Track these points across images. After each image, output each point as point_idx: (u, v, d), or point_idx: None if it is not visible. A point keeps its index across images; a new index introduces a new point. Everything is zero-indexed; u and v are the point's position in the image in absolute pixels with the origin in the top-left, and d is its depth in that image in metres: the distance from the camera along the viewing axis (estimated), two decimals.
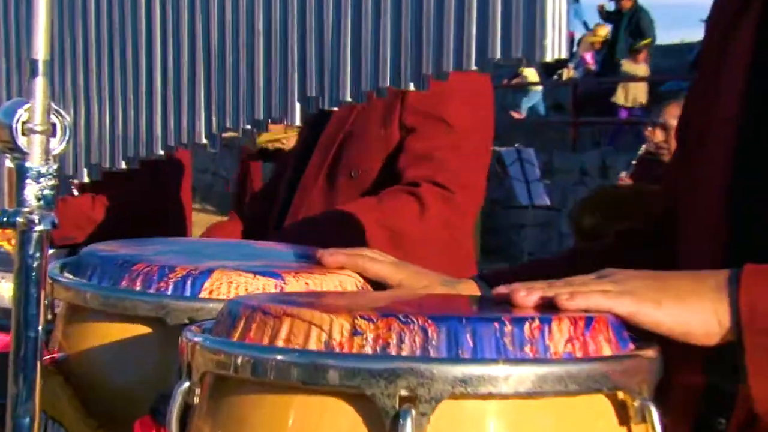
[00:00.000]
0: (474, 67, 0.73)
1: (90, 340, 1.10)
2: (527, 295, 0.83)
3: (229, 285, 1.03)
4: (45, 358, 1.08)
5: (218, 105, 0.91)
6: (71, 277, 1.11)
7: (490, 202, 10.40)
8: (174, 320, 0.99)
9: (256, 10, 0.86)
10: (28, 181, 0.73)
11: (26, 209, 0.72)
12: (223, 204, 10.96)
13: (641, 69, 12.63)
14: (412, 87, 0.78)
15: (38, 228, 0.73)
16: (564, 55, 0.72)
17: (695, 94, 1.18)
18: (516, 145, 9.82)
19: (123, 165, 1.00)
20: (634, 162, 6.47)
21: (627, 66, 12.65)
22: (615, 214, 4.49)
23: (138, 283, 1.05)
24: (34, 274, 0.74)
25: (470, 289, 1.13)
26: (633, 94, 12.23)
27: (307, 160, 2.20)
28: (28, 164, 0.73)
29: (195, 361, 0.81)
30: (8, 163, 0.74)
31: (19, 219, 0.72)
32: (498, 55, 0.72)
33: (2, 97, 1.04)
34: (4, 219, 0.73)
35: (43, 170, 0.73)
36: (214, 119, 0.92)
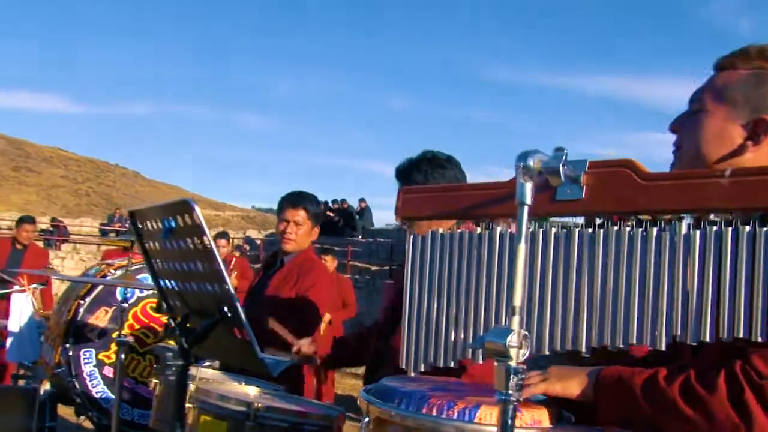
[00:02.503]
0: None
1: None
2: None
3: (491, 413, 1.45)
4: None
5: (600, 324, 1.24)
6: (378, 400, 1.59)
7: None
8: None
9: (634, 261, 1.20)
10: (512, 377, 1.11)
11: (510, 393, 1.11)
12: None
13: None
14: (760, 338, 1.10)
15: (514, 402, 1.12)
16: None
17: None
18: None
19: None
20: None
21: None
22: None
23: (434, 410, 1.51)
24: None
25: None
26: None
27: None
28: (510, 364, 1.12)
29: None
30: (496, 363, 1.13)
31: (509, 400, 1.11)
32: None
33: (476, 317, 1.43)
34: (501, 397, 1.12)
35: (519, 369, 1.12)
36: (594, 334, 1.25)
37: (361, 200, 25.54)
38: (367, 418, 1.66)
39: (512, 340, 1.13)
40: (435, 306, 1.44)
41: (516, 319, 1.14)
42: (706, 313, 1.11)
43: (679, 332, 1.14)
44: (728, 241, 1.10)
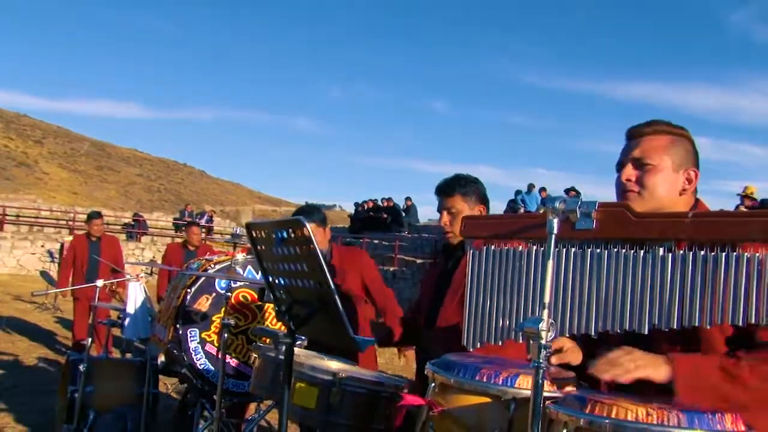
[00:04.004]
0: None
1: (454, 403, 1.93)
2: None
3: (527, 381, 1.80)
4: (435, 410, 1.94)
5: (603, 315, 1.62)
6: (442, 370, 1.96)
7: None
8: (505, 398, 1.81)
9: (628, 272, 1.61)
10: (542, 350, 1.52)
11: (541, 361, 1.51)
12: None
13: None
14: (708, 326, 1.49)
15: (544, 368, 1.51)
16: None
17: None
18: None
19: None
20: None
21: None
22: None
23: (485, 378, 1.88)
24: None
25: None
26: None
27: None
28: (542, 342, 1.52)
29: (557, 417, 1.58)
30: (531, 342, 1.53)
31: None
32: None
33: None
34: (535, 365, 1.52)
35: (547, 345, 1.52)
36: (600, 322, 1.61)
37: (407, 199, 25.94)
38: (433, 384, 2.06)
39: (543, 326, 1.53)
40: (488, 301, 1.84)
41: (545, 311, 1.55)
42: (674, 308, 1.51)
43: (656, 321, 1.53)
44: (689, 260, 1.50)
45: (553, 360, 1.94)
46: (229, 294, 4.13)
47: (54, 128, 56.90)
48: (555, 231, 1.55)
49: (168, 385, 7.27)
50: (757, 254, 1.44)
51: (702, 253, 1.48)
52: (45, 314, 13.36)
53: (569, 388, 1.89)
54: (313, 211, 4.23)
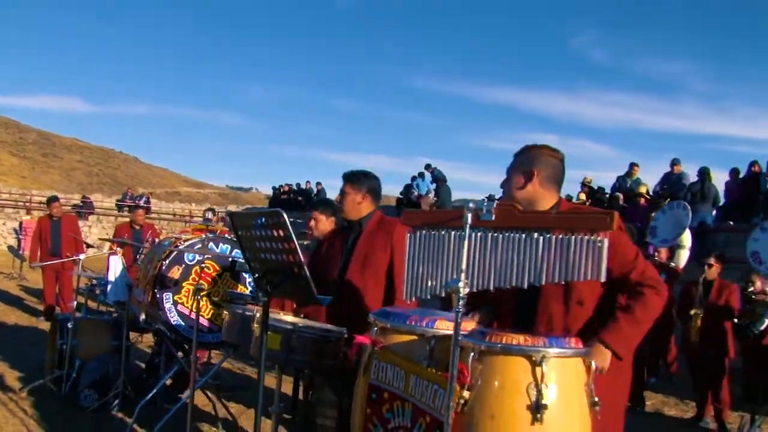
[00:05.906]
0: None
1: (391, 341, 2.30)
2: None
3: (443, 323, 2.22)
4: (378, 346, 2.28)
5: (500, 275, 2.06)
6: (382, 318, 2.33)
7: None
8: (427, 335, 2.20)
9: (515, 248, 2.04)
10: (460, 301, 1.91)
11: (459, 308, 1.91)
12: None
13: None
14: (563, 282, 1.93)
15: (461, 313, 1.92)
16: (602, 279, 1.88)
17: None
18: None
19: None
20: None
21: None
22: None
23: (412, 322, 2.27)
24: None
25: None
26: None
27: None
28: (460, 295, 1.92)
29: (466, 345, 1.98)
30: (453, 295, 1.93)
31: None
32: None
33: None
34: (456, 311, 1.92)
35: (464, 297, 1.92)
36: (497, 280, 2.07)
37: (318, 183, 26.06)
38: (375, 328, 2.41)
39: (461, 284, 1.93)
40: (419, 269, 2.21)
41: (462, 274, 1.95)
42: (543, 270, 1.95)
43: (532, 279, 1.97)
44: (553, 240, 1.94)
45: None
46: (203, 265, 4.35)
47: (4, 120, 53.28)
48: (470, 222, 1.95)
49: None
50: (590, 237, 1.90)
51: (560, 236, 1.93)
52: (11, 282, 12.86)
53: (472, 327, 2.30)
54: (322, 203, 4.53)
